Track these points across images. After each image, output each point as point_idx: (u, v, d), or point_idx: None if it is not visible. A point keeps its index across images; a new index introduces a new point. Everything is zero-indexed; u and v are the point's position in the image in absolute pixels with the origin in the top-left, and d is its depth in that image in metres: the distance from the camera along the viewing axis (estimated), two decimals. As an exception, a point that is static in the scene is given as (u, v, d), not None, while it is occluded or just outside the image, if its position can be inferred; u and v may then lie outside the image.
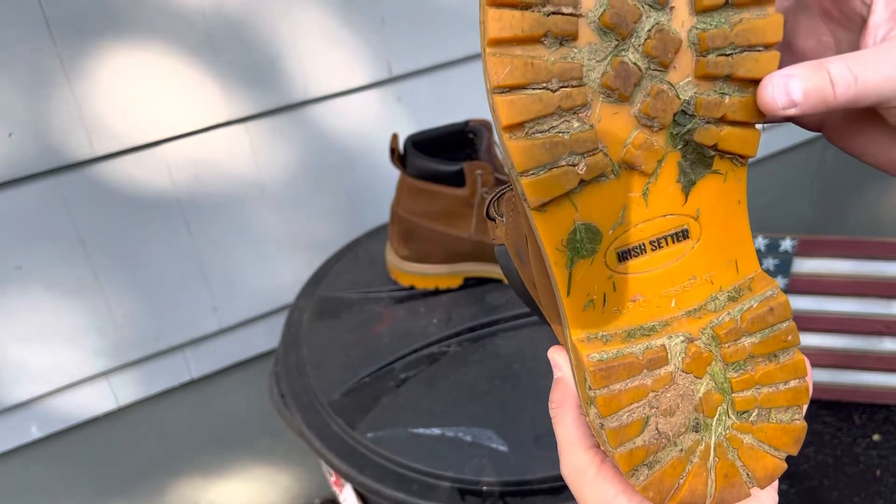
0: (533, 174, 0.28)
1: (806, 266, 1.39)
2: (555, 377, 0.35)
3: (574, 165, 0.29)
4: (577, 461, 0.34)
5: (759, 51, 0.29)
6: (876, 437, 1.40)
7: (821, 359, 1.43)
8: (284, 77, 0.95)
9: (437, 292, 0.87)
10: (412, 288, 0.88)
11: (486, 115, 0.87)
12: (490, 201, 0.43)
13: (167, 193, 0.95)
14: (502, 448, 0.68)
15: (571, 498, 0.65)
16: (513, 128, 0.28)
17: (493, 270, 0.87)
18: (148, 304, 1.00)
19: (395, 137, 0.81)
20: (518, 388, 0.74)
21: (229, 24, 0.89)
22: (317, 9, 0.93)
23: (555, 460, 0.67)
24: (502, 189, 0.42)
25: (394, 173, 0.87)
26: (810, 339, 1.42)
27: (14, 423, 0.99)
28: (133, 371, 1.04)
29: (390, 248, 0.89)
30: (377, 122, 1.04)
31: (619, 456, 0.30)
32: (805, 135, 1.53)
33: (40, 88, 0.82)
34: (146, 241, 0.96)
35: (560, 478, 0.66)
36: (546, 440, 0.69)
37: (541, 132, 0.28)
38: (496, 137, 0.30)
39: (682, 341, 0.31)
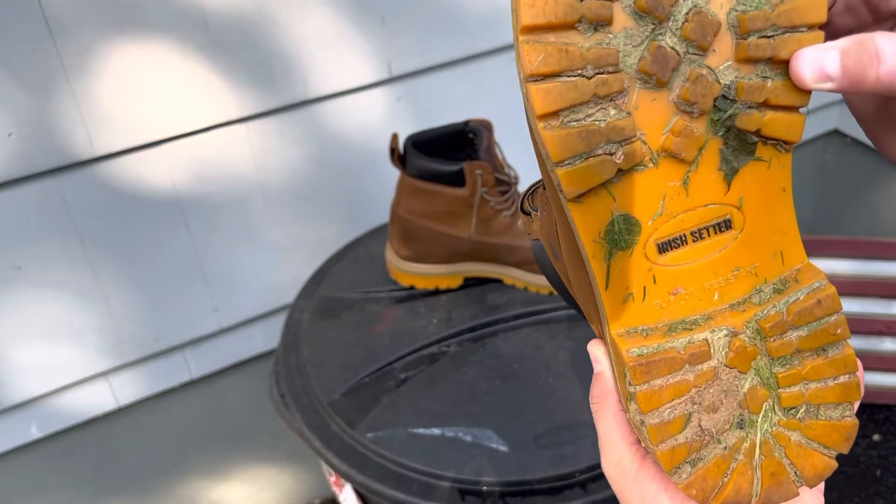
0: (569, 164, 0.28)
1: (806, 266, 1.39)
2: (595, 372, 0.35)
3: (611, 154, 0.28)
4: (618, 458, 0.33)
5: (801, 31, 0.28)
6: (876, 437, 1.40)
7: (821, 359, 1.43)
8: (285, 77, 0.95)
9: (437, 292, 0.87)
10: (412, 288, 0.88)
11: (485, 114, 0.87)
12: (525, 196, 0.42)
13: (167, 193, 0.95)
14: (502, 448, 0.68)
15: (571, 498, 0.65)
16: (547, 116, 0.27)
17: (493, 270, 0.87)
18: (148, 304, 1.00)
19: (394, 137, 0.81)
20: (518, 388, 0.74)
21: (229, 24, 0.89)
22: (317, 9, 0.93)
23: (554, 460, 0.68)
24: (536, 184, 0.41)
25: (394, 173, 0.87)
26: (810, 339, 1.42)
27: (14, 423, 0.99)
28: (133, 371, 1.04)
29: (390, 248, 0.89)
30: (377, 122, 1.04)
31: (660, 453, 0.29)
32: (805, 135, 1.53)
33: (40, 88, 0.82)
34: (146, 241, 0.96)
35: (560, 478, 0.66)
36: (546, 440, 0.69)
37: (576, 121, 0.27)
38: (529, 127, 0.29)
39: (726, 335, 0.30)
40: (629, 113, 0.28)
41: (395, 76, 1.02)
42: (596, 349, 0.34)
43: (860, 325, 1.39)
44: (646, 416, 0.30)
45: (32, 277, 0.91)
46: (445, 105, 1.08)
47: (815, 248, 1.38)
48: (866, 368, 1.42)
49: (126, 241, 0.95)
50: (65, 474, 1.09)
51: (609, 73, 0.27)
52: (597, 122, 0.28)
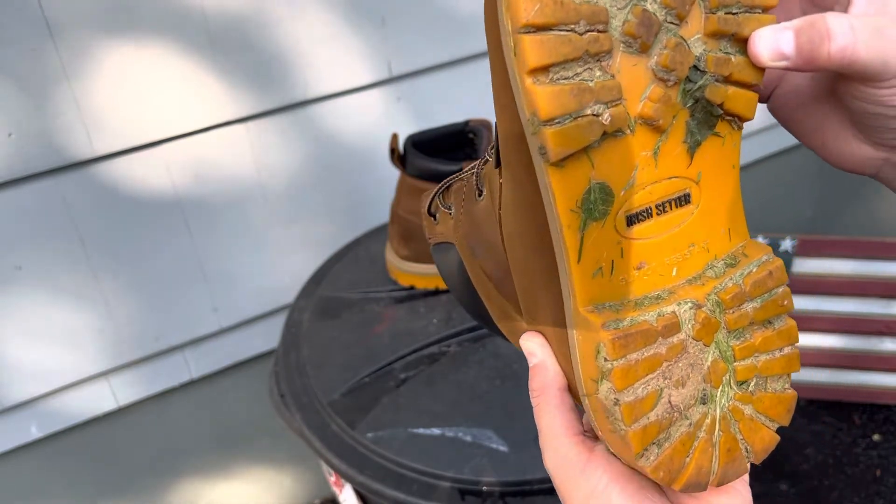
0: (559, 123, 0.27)
1: (806, 266, 1.39)
2: (531, 365, 0.34)
3: (598, 115, 0.27)
4: (564, 451, 0.32)
5: (758, 13, 0.29)
6: (876, 437, 1.40)
7: (821, 359, 1.43)
8: (285, 77, 0.95)
9: (437, 292, 0.87)
10: (412, 288, 0.88)
11: (485, 114, 0.87)
12: (434, 195, 0.41)
13: (167, 193, 0.95)
14: (502, 448, 0.68)
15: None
16: (538, 71, 0.26)
17: (493, 270, 0.87)
18: (148, 304, 1.00)
19: (394, 137, 0.81)
20: (518, 388, 0.74)
21: (229, 24, 0.89)
22: (317, 9, 0.93)
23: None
24: (448, 181, 0.40)
25: (394, 173, 0.87)
26: (810, 340, 1.42)
27: (14, 423, 0.99)
28: (133, 371, 1.04)
29: (390, 248, 0.89)
30: (377, 122, 1.04)
31: (633, 434, 0.29)
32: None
33: (40, 88, 0.82)
34: (146, 241, 0.96)
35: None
36: (546, 440, 0.69)
37: (565, 78, 0.27)
38: (511, 83, 0.28)
39: (691, 308, 0.30)
40: (613, 76, 0.28)
41: (395, 76, 1.02)
42: (528, 342, 0.34)
43: (860, 325, 1.39)
44: (620, 394, 0.29)
45: (32, 278, 0.91)
46: (445, 105, 1.08)
47: (815, 248, 1.38)
48: (866, 368, 1.42)
49: (126, 242, 0.95)
50: (65, 474, 1.09)
51: (599, 31, 0.27)
52: (586, 81, 0.27)
